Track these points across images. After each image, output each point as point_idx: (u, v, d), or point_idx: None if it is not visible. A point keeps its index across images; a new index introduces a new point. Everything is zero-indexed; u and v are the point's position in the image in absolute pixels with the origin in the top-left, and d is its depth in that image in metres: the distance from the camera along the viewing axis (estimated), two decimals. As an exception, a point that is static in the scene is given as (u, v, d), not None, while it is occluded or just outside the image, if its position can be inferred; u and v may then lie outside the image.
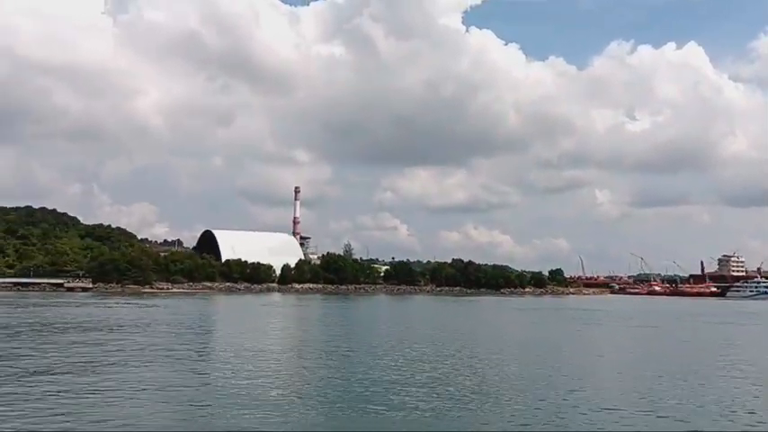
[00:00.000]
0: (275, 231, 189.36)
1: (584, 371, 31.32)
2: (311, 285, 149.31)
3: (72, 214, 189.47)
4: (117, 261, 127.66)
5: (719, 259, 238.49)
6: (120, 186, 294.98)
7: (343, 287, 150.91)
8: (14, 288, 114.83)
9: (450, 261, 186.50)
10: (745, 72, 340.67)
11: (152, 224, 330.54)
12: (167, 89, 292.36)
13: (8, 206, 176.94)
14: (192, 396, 21.81)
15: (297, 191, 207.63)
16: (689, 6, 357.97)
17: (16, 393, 21.32)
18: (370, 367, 29.07)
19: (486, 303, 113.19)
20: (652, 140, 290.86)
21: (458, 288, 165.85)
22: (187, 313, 66.84)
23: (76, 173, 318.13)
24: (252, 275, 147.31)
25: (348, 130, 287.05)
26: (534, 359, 34.57)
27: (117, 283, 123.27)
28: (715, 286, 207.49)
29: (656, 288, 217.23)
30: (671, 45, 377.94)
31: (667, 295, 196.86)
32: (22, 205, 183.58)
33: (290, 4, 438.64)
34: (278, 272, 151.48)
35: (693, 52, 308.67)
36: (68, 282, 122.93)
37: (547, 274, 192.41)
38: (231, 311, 77.38)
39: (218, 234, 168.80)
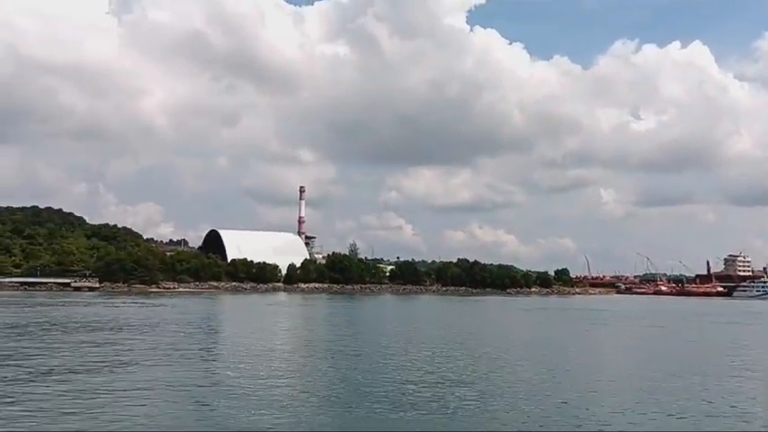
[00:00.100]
0: (280, 231, 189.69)
1: (592, 371, 31.32)
2: (317, 285, 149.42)
3: (78, 214, 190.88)
4: (123, 261, 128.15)
5: (726, 259, 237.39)
6: (126, 186, 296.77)
7: (349, 287, 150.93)
8: (21, 288, 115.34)
9: (454, 261, 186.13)
10: (750, 71, 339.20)
11: (157, 224, 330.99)
12: (172, 89, 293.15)
13: (14, 206, 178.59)
14: (204, 396, 21.91)
15: (302, 190, 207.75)
16: (694, 5, 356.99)
17: (28, 393, 21.45)
18: (378, 367, 29.12)
19: (493, 303, 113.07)
20: (657, 139, 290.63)
21: (463, 288, 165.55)
22: (195, 313, 67.07)
23: (82, 172, 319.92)
24: (258, 275, 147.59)
25: (353, 129, 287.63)
26: (542, 359, 34.52)
27: (124, 283, 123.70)
28: (721, 286, 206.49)
29: (663, 288, 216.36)
30: (676, 44, 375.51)
31: (674, 295, 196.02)
32: (29, 205, 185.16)
33: (295, 4, 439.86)
34: (283, 271, 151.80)
35: (698, 51, 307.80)
36: (75, 281, 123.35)
37: (552, 273, 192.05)
38: (238, 311, 77.61)
39: (223, 234, 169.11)
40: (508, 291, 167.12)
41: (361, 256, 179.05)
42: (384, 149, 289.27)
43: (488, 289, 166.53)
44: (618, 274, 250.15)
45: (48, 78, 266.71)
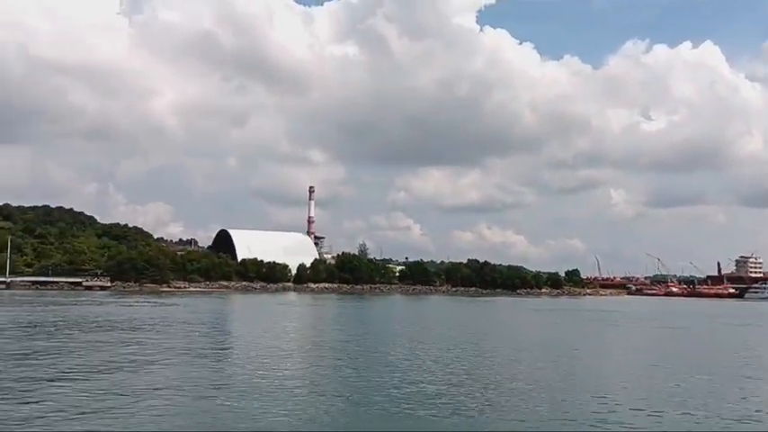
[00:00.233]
0: (290, 231, 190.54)
1: (604, 372, 31.35)
2: (326, 285, 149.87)
3: (88, 213, 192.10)
4: (135, 260, 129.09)
5: (737, 260, 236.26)
6: (136, 186, 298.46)
7: (359, 287, 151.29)
8: (33, 287, 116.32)
9: (463, 261, 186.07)
10: (762, 71, 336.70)
11: (166, 223, 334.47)
12: (182, 89, 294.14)
13: (26, 205, 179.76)
14: (219, 395, 22.05)
15: (311, 191, 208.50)
16: (705, 5, 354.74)
17: (46, 393, 21.64)
18: (390, 367, 29.22)
19: (503, 304, 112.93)
20: (668, 140, 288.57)
21: (473, 288, 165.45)
22: (206, 312, 67.49)
23: (93, 172, 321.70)
24: (268, 275, 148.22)
25: (362, 130, 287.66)
26: (554, 360, 34.42)
27: (135, 282, 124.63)
28: (733, 287, 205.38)
29: (674, 289, 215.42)
30: (686, 44, 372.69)
31: (685, 296, 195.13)
32: (40, 204, 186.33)
33: (304, 5, 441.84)
34: (293, 271, 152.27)
35: (709, 51, 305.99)
36: (87, 280, 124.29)
37: (562, 274, 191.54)
38: (249, 311, 77.99)
39: (233, 233, 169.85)
40: (518, 291, 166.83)
41: (370, 256, 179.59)
42: (393, 150, 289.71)
43: (498, 290, 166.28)
44: (628, 275, 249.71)
45: (58, 78, 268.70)
